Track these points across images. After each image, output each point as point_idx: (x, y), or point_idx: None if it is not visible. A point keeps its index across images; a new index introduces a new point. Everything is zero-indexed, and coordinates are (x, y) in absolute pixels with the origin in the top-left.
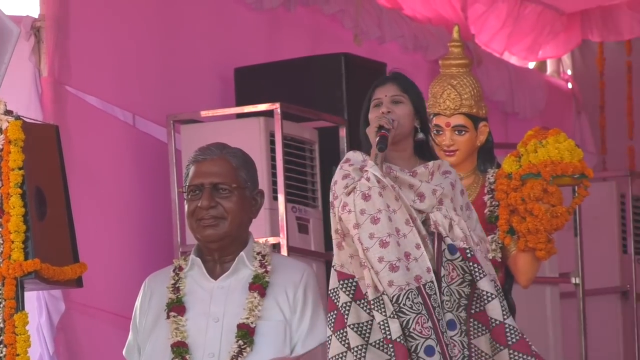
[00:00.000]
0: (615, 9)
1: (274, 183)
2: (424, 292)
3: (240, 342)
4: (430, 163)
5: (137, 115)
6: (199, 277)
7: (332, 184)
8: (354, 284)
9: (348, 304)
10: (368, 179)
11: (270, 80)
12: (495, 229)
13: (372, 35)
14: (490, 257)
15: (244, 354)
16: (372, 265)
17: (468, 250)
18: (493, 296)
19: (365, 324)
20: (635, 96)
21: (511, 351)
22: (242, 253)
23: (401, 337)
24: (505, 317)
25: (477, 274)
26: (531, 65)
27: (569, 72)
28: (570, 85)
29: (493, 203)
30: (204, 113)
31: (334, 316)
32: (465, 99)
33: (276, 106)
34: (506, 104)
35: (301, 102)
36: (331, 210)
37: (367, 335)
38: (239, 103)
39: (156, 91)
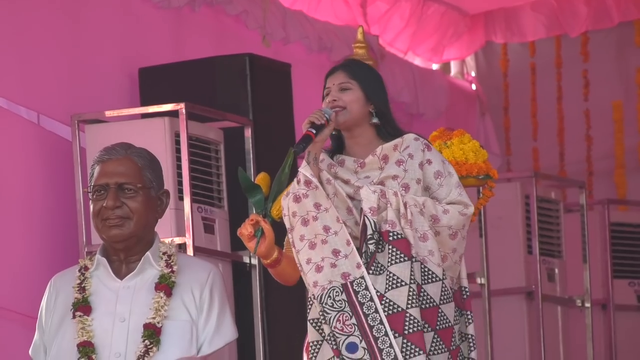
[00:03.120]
0: (518, 11)
1: (180, 183)
2: (350, 289)
3: (147, 342)
4: (380, 147)
5: (41, 114)
6: (104, 277)
7: None
8: None
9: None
10: (299, 181)
11: (175, 80)
12: None
13: (277, 36)
14: None
15: (151, 353)
16: (302, 268)
17: (391, 234)
18: (403, 283)
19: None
20: (539, 97)
21: (405, 340)
22: (147, 253)
23: (329, 337)
24: (408, 305)
25: (390, 258)
26: (435, 66)
27: (473, 73)
28: (474, 87)
29: None
30: (108, 113)
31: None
32: None
33: (181, 106)
34: (411, 105)
35: (206, 103)
36: None
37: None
38: (144, 103)
39: (61, 90)
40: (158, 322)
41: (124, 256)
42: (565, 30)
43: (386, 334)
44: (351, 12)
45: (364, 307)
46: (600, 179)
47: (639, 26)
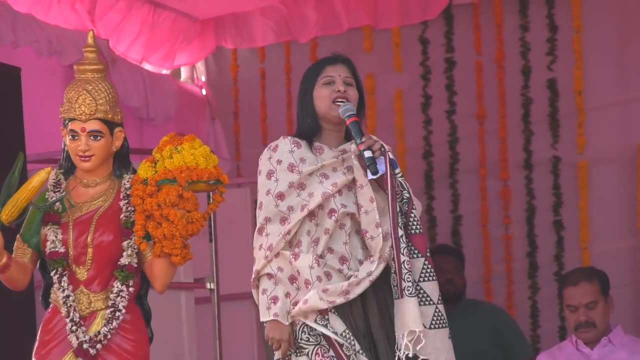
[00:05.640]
0: (248, 16)
1: None
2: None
3: None
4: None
5: None
6: None
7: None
8: None
9: None
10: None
11: None
12: (131, 234)
13: (6, 40)
14: (126, 263)
15: None
16: None
17: None
18: None
19: None
20: (269, 103)
21: None
22: None
23: None
24: None
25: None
26: (166, 71)
27: (203, 78)
28: (204, 92)
29: (129, 208)
30: None
31: None
32: (100, 104)
33: None
34: (141, 109)
35: None
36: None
37: None
38: None
39: None
40: None
41: None
42: (295, 36)
43: None
44: (80, 19)
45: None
46: None
47: (368, 32)
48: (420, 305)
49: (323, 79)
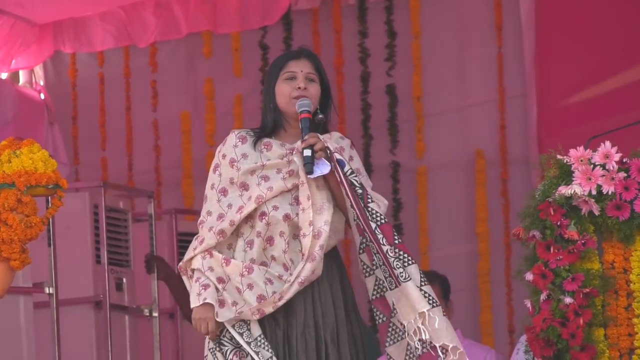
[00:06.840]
0: (87, 21)
1: None
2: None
3: None
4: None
5: None
6: None
7: None
8: None
9: None
10: None
11: None
12: None
13: None
14: None
15: None
16: None
17: None
18: None
19: None
20: (108, 107)
21: None
22: None
23: None
24: None
25: None
26: (4, 75)
27: (42, 82)
28: (42, 96)
29: None
30: None
31: None
32: None
33: None
34: None
35: None
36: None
37: None
38: None
39: None
40: None
41: None
42: (134, 40)
43: None
44: None
45: (251, 345)
46: (169, 188)
47: (207, 37)
48: None
49: (285, 74)
